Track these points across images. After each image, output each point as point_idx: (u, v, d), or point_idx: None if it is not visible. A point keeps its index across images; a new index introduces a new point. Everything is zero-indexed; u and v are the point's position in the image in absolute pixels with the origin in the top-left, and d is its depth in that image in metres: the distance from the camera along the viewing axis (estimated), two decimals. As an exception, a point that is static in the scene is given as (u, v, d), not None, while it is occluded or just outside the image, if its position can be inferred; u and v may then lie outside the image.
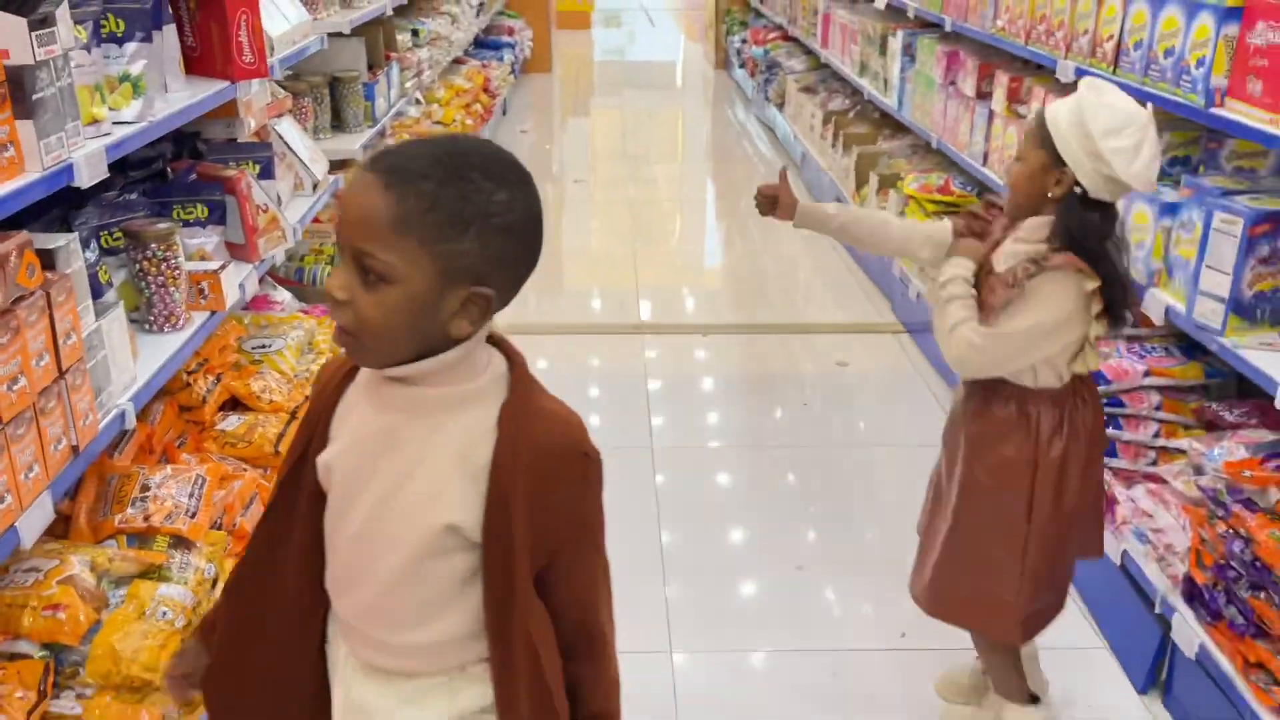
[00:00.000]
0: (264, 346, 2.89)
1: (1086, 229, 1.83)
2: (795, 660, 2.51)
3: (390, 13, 4.59)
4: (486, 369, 1.16)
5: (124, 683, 1.70)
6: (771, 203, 2.20)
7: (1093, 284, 1.82)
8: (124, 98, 2.05)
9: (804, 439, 3.54)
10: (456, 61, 6.69)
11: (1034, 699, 2.17)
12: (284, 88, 3.50)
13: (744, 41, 9.61)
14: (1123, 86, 2.71)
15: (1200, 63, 2.39)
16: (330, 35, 3.65)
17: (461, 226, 1.05)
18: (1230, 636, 2.07)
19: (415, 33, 5.19)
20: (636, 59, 13.11)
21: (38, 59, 1.67)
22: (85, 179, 1.81)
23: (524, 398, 1.16)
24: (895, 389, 3.92)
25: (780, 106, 7.64)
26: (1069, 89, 3.13)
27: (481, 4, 7.88)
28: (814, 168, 6.35)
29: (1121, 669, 2.45)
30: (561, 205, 6.49)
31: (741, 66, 9.66)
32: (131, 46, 2.08)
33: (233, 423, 2.56)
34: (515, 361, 1.18)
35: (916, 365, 4.09)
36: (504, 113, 8.34)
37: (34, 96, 1.67)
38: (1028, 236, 1.90)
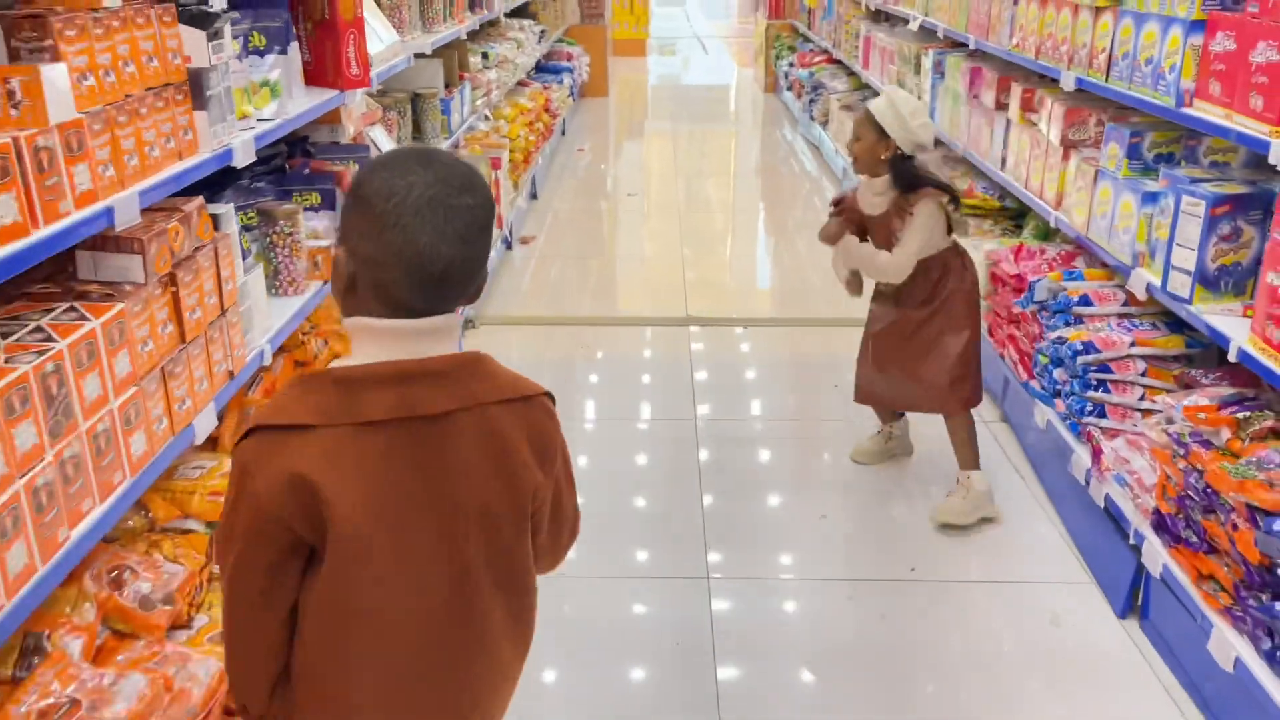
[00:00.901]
0: (360, 319, 3.34)
1: (911, 172, 2.98)
2: (818, 586, 2.88)
3: (465, 37, 5.08)
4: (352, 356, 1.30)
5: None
6: (841, 209, 3.22)
7: (944, 198, 3.00)
8: (264, 99, 2.53)
9: (834, 415, 3.91)
10: (520, 84, 7.20)
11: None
12: (375, 101, 3.99)
13: (791, 65, 10.03)
14: (1112, 92, 3.09)
15: (1173, 68, 2.75)
16: (415, 55, 4.14)
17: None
18: (1187, 555, 2.41)
19: (485, 55, 5.69)
20: (690, 83, 13.58)
21: (211, 64, 2.14)
22: (240, 160, 2.28)
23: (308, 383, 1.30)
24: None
25: (824, 124, 8.04)
26: (1072, 97, 3.51)
27: (543, 31, 8.41)
28: (854, 180, 6.72)
29: (1105, 598, 2.79)
30: (616, 217, 6.94)
31: (789, 89, 10.08)
32: (271, 58, 2.56)
33: (337, 378, 3.01)
34: (333, 375, 1.28)
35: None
36: (563, 133, 8.85)
37: (207, 93, 2.14)
38: (881, 191, 3.04)
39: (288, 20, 2.67)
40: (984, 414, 3.88)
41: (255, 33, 2.52)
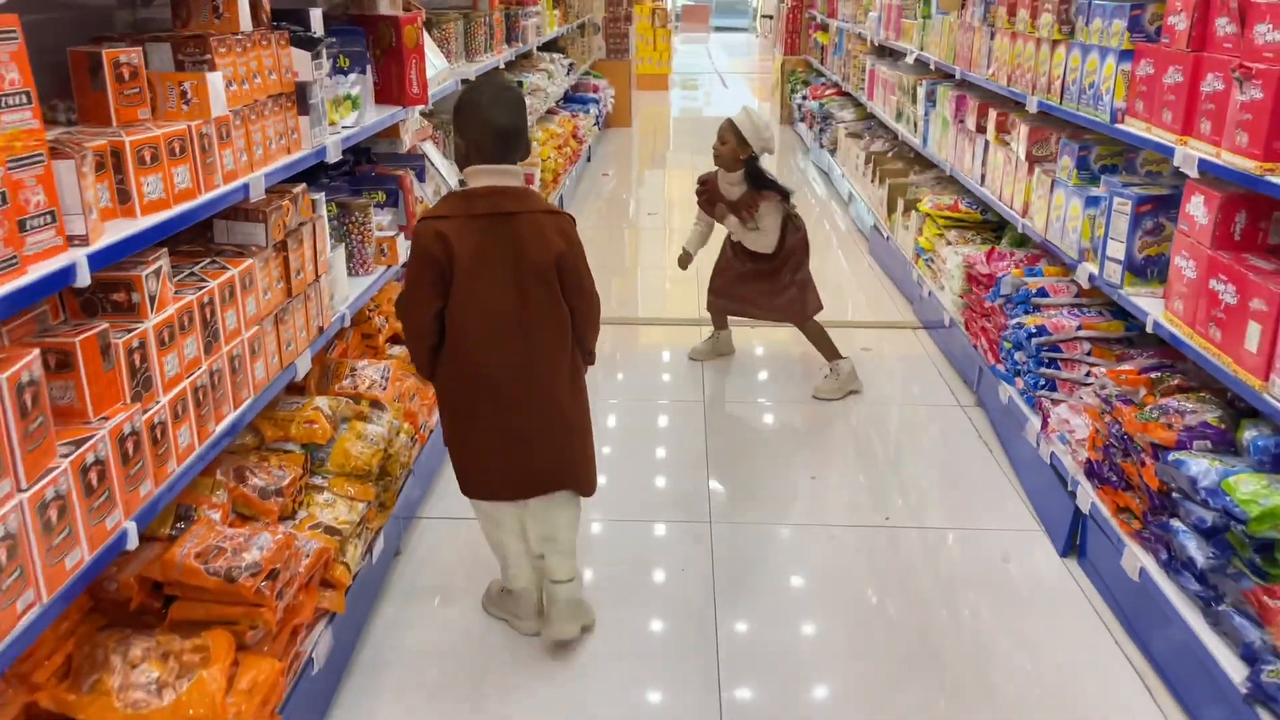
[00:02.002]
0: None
1: (761, 175, 4.28)
2: (808, 533, 3.36)
3: (502, 66, 5.65)
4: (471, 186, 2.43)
5: (352, 471, 2.64)
6: (706, 189, 4.52)
7: (780, 198, 4.29)
8: (346, 110, 3.07)
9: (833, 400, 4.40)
10: (550, 111, 7.78)
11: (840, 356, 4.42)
12: (426, 120, 4.55)
13: (805, 98, 10.60)
14: (1065, 113, 3.59)
15: (1108, 91, 3.26)
16: (461, 80, 4.70)
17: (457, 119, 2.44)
18: (1109, 492, 2.87)
19: (520, 84, 6.26)
20: (710, 115, 14.18)
21: (314, 79, 2.68)
22: (332, 157, 2.82)
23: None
24: (908, 367, 4.76)
25: (832, 152, 8.58)
26: (1037, 119, 4.00)
27: (571, 64, 9.01)
28: (858, 201, 7.24)
29: (1050, 541, 3.25)
30: (638, 236, 7.48)
31: (802, 120, 10.64)
32: (353, 76, 3.11)
33: (397, 351, 3.54)
34: (479, 185, 2.40)
35: (927, 350, 4.92)
36: (588, 159, 9.43)
37: (309, 101, 2.68)
38: (735, 183, 4.31)
39: (366, 45, 3.22)
40: (960, 399, 4.36)
41: (341, 55, 3.07)
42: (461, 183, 2.47)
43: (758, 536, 3.32)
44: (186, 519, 2.17)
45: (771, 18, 25.80)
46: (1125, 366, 3.04)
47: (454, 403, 2.47)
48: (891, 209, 6.00)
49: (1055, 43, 3.73)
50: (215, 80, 2.15)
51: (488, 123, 2.36)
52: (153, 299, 1.92)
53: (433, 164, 4.27)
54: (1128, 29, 3.18)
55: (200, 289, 2.11)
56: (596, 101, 9.87)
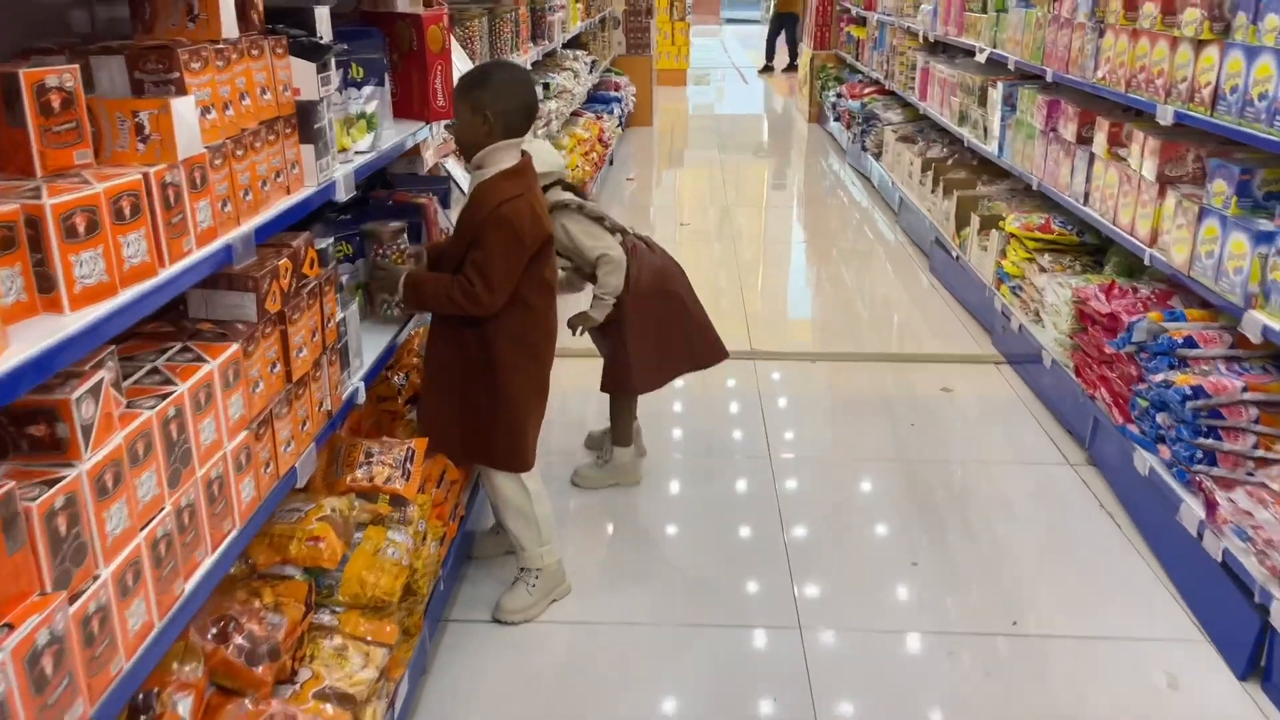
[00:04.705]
0: (437, 353, 3.28)
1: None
2: (922, 645, 2.76)
3: (529, 66, 5.06)
4: (499, 164, 2.55)
5: (369, 603, 2.06)
6: None
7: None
8: (360, 132, 2.47)
9: (912, 454, 3.80)
10: (574, 113, 7.17)
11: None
12: (448, 131, 3.95)
13: (839, 96, 9.97)
14: (1218, 127, 2.99)
15: (1292, 104, 2.65)
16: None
17: (468, 95, 2.53)
18: (1325, 616, 2.28)
19: (546, 86, 5.67)
20: (733, 113, 13.56)
21: (320, 96, 2.09)
22: (342, 194, 2.22)
23: (498, 176, 2.52)
24: (997, 413, 4.16)
25: (877, 156, 7.96)
26: (1167, 131, 3.40)
27: (594, 62, 8.40)
28: (910, 210, 6.63)
29: (1222, 658, 2.65)
30: (669, 247, 6.86)
31: (837, 119, 10.02)
32: (368, 89, 2.51)
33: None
34: (517, 163, 2.56)
35: (1018, 392, 4.32)
36: (610, 162, 8.82)
37: (315, 125, 2.09)
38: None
39: (385, 51, 2.62)
40: (1068, 454, 3.76)
41: (355, 64, 2.48)
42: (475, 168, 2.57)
43: (862, 649, 2.72)
44: (146, 710, 1.59)
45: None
46: (1333, 452, 2.44)
47: (526, 376, 2.63)
48: (962, 224, 5.39)
49: (1202, 43, 3.12)
50: (184, 108, 1.56)
51: (523, 100, 2.55)
52: (87, 431, 1.33)
53: (457, 185, 3.68)
54: (1322, 28, 2.58)
55: (165, 396, 1.52)
56: (619, 100, 9.26)
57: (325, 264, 2.18)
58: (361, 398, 2.37)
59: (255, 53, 1.87)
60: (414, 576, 2.24)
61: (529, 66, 5.05)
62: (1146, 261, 3.48)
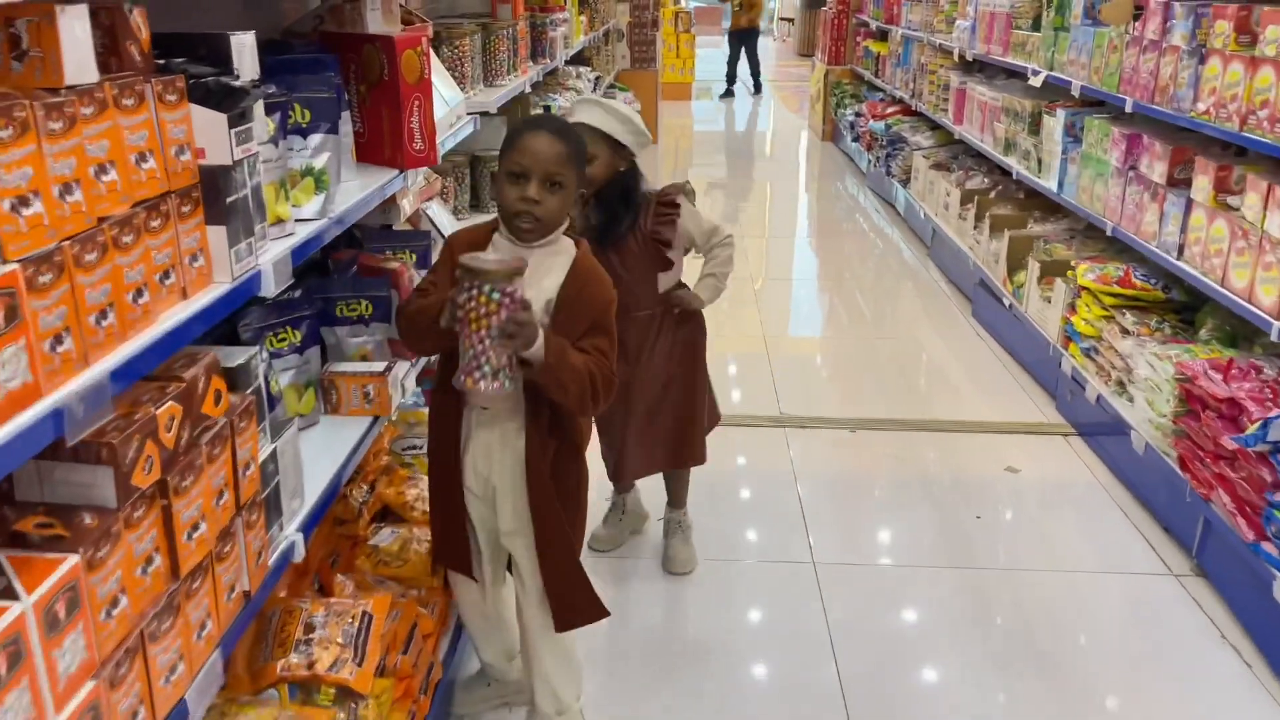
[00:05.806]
0: (414, 448, 2.68)
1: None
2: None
3: (528, 89, 4.47)
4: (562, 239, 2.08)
5: None
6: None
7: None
8: (305, 193, 1.88)
9: (982, 559, 3.20)
10: (577, 135, 6.58)
11: None
12: (432, 170, 3.35)
13: (858, 115, 9.40)
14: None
15: None
16: (480, 116, 3.50)
17: (582, 161, 2.06)
18: None
19: (548, 109, 5.08)
20: (741, 130, 12.99)
21: (235, 158, 1.49)
22: (271, 288, 1.62)
23: (585, 256, 2.06)
24: (1074, 501, 3.55)
25: (905, 182, 7.38)
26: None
27: (597, 78, 7.82)
28: (947, 245, 6.04)
29: None
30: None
31: (855, 140, 9.44)
32: (316, 138, 1.91)
33: (385, 537, 2.35)
34: (578, 242, 2.08)
35: (1095, 472, 3.72)
36: (615, 185, 8.21)
37: (228, 200, 1.49)
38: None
39: (339, 88, 2.03)
40: (1169, 562, 3.15)
41: (297, 105, 1.87)
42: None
43: None
44: None
45: (791, 20, 24.62)
46: None
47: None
48: (1015, 267, 4.79)
49: (1358, 76, 2.53)
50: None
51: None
52: None
53: (441, 235, 3.08)
54: None
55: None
56: (624, 119, 8.66)
57: (242, 386, 1.57)
58: (299, 554, 1.76)
59: (128, 102, 1.27)
60: (367, 810, 1.64)
61: (528, 90, 4.45)
62: (1273, 337, 2.88)
